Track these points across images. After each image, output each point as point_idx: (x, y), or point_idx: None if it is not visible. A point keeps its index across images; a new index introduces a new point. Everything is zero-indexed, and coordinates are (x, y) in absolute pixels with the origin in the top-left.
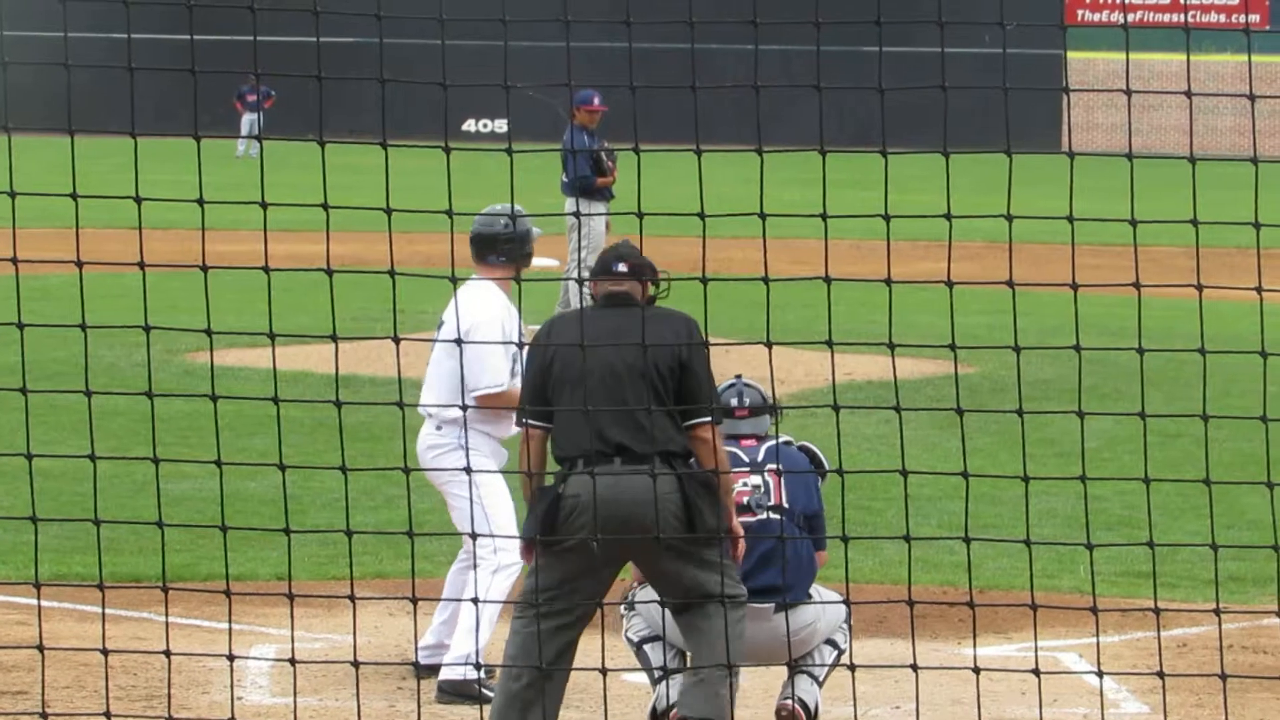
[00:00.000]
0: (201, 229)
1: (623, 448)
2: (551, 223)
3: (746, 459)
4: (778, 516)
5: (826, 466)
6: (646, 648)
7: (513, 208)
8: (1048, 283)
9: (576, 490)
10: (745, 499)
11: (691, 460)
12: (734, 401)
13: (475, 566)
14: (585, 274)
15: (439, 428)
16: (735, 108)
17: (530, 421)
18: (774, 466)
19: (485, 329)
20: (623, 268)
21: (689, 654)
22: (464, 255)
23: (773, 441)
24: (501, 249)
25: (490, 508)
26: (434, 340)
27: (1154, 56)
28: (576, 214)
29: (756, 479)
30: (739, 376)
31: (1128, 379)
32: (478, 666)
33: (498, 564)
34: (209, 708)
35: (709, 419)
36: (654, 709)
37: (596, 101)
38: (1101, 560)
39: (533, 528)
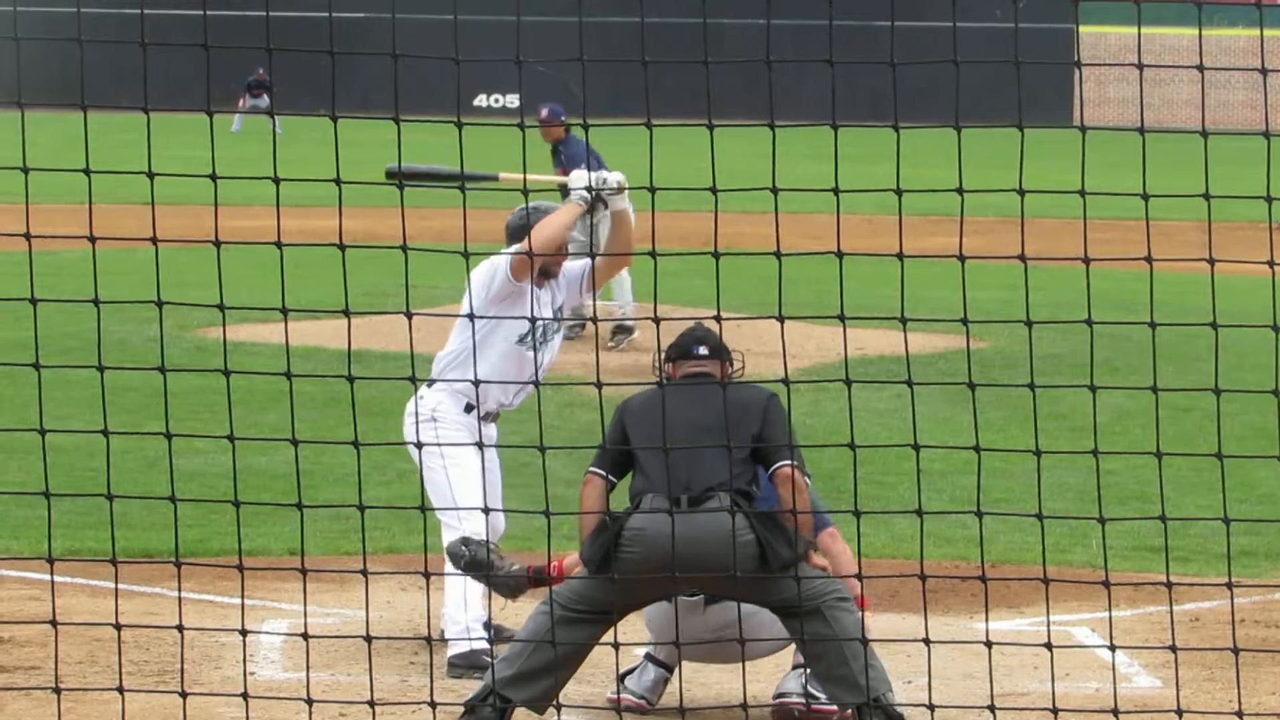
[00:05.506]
0: (214, 204)
1: (692, 485)
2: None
3: None
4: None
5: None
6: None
7: (526, 201)
8: (1059, 257)
9: (640, 524)
10: None
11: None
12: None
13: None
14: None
15: (421, 396)
16: (747, 82)
17: (595, 469)
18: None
19: (488, 268)
20: (703, 350)
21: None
22: (475, 229)
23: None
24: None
25: (455, 478)
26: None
27: (1166, 30)
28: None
29: None
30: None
31: (1139, 353)
32: (488, 626)
33: (463, 534)
34: (221, 683)
35: (789, 462)
36: (622, 675)
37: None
38: (1113, 534)
39: (592, 551)
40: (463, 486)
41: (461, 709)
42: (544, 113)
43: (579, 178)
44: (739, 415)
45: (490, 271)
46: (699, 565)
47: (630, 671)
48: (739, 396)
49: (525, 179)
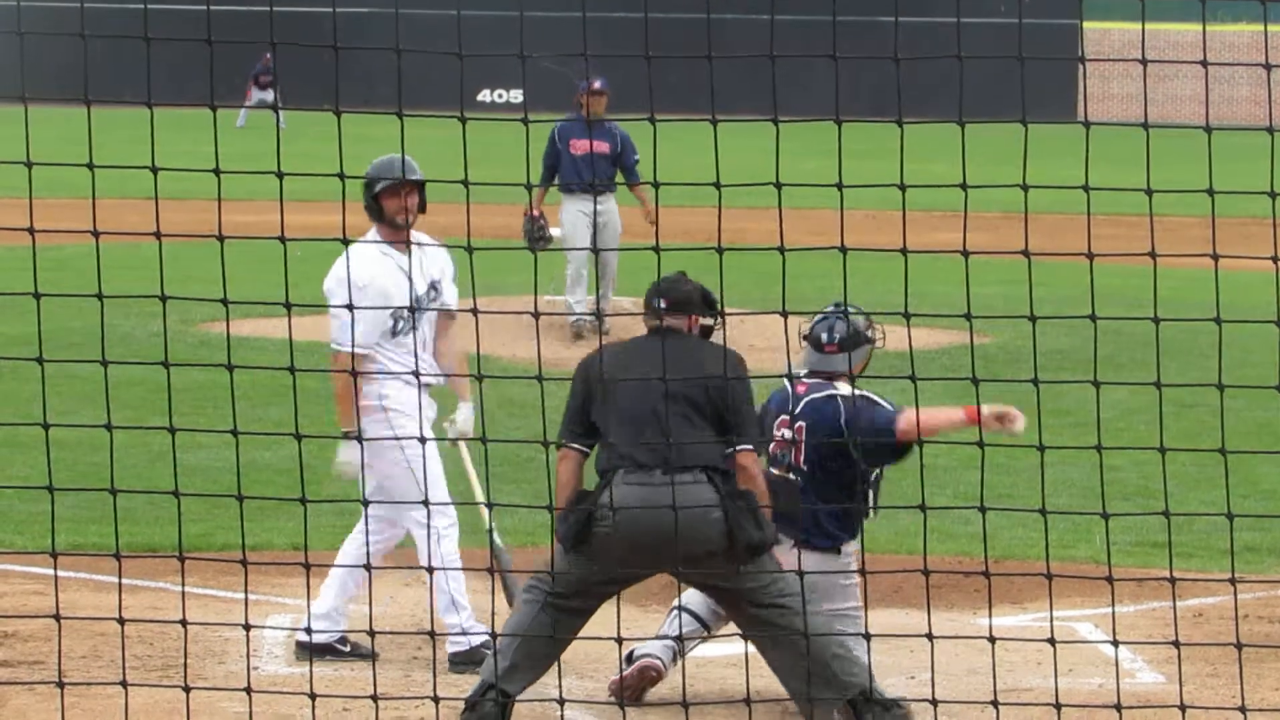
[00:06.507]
0: (218, 199)
1: (664, 460)
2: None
3: (790, 406)
4: (795, 477)
5: (862, 428)
6: (675, 612)
7: (403, 159)
8: (1063, 252)
9: (614, 498)
10: (776, 451)
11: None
12: (823, 336)
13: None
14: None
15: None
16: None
17: (568, 443)
18: (798, 423)
19: (342, 292)
20: (662, 304)
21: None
22: (478, 225)
23: (820, 394)
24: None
25: (418, 470)
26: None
27: (1169, 26)
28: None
29: (789, 433)
30: (837, 303)
31: (1143, 349)
32: (493, 636)
33: (436, 533)
34: (225, 677)
35: (750, 446)
36: (631, 652)
37: (598, 85)
38: (1117, 530)
39: (567, 530)
40: (430, 478)
41: (463, 705)
42: (598, 84)
43: (466, 419)
44: (704, 386)
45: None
46: (668, 543)
47: (638, 647)
48: (706, 362)
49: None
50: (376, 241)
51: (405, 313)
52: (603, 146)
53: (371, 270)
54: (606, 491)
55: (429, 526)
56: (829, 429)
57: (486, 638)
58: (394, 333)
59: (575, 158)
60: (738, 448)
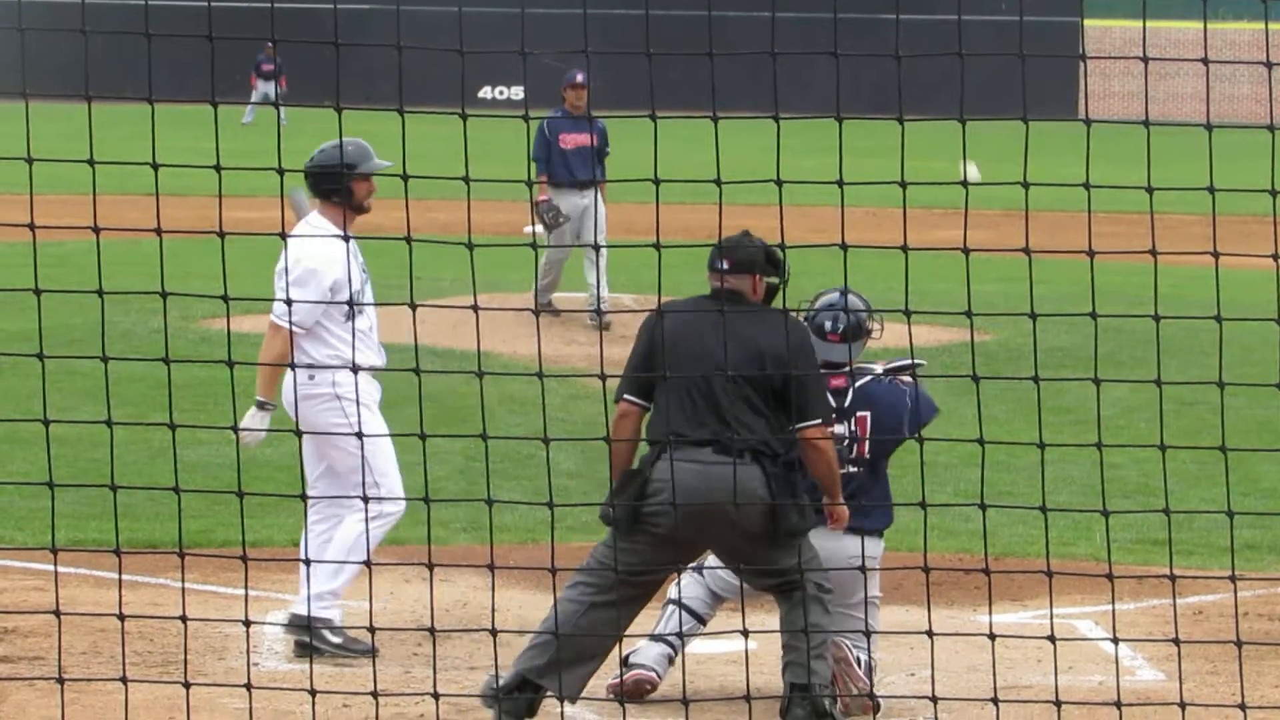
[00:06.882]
0: (219, 195)
1: (716, 439)
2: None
3: (834, 403)
4: (859, 469)
5: (921, 412)
6: (670, 608)
7: (347, 143)
8: (1064, 250)
9: (664, 475)
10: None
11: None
12: (827, 325)
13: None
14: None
15: (311, 376)
16: (751, 75)
17: (628, 397)
18: (863, 413)
19: (310, 276)
20: (724, 264)
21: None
22: (479, 222)
23: (864, 379)
24: (312, 185)
25: (371, 457)
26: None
27: (1171, 24)
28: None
29: (842, 428)
30: (843, 291)
31: (1144, 346)
32: (370, 628)
33: (379, 510)
34: (225, 673)
35: (818, 421)
36: (627, 656)
37: (580, 79)
38: (1117, 528)
39: (620, 509)
40: (383, 466)
41: (480, 696)
42: (580, 78)
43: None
44: (762, 358)
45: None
46: (712, 522)
47: (634, 652)
48: (765, 334)
49: None
50: (329, 230)
51: (360, 297)
52: (590, 140)
53: (331, 254)
54: (655, 468)
55: (377, 506)
56: (897, 418)
57: (332, 618)
58: (347, 317)
59: (565, 152)
60: (804, 424)
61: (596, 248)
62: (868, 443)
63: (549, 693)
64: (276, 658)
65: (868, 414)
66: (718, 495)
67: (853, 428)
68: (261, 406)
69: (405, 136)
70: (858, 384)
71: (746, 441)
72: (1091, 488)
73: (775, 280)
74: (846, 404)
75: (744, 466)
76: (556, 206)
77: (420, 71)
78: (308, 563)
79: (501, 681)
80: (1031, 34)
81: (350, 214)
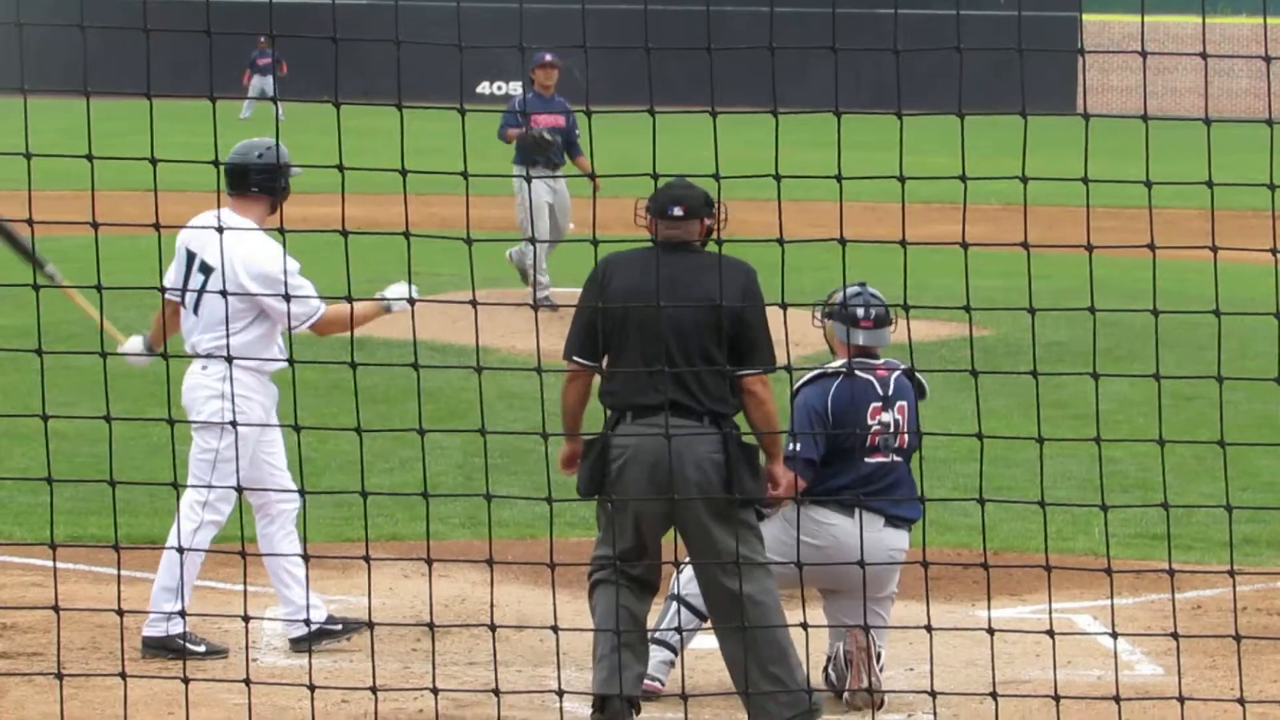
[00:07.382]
0: (217, 191)
1: (674, 403)
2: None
3: (881, 392)
4: (899, 459)
5: (926, 392)
6: (672, 604)
7: (278, 142)
8: (1063, 245)
9: (623, 445)
10: (877, 439)
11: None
12: (859, 312)
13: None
14: (532, 239)
15: (204, 368)
16: (750, 70)
17: (578, 359)
18: (903, 403)
19: (276, 263)
20: (679, 211)
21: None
22: (478, 217)
23: (899, 371)
24: (255, 179)
25: (271, 458)
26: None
27: (1169, 19)
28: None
29: (888, 417)
30: (862, 284)
31: (1142, 341)
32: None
33: (285, 515)
34: (224, 669)
35: (761, 370)
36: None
37: (550, 58)
38: (1116, 522)
39: (585, 482)
40: (278, 463)
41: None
42: (549, 57)
43: (399, 289)
44: (712, 310)
45: (259, 272)
46: (666, 484)
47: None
48: (714, 280)
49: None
50: (250, 224)
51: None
52: (559, 121)
53: (272, 242)
54: (614, 435)
55: (281, 512)
56: (915, 408)
57: (185, 629)
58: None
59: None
60: (746, 371)
61: (564, 241)
62: (906, 434)
63: (644, 695)
64: (275, 653)
65: (906, 403)
66: (677, 460)
67: (896, 416)
68: (153, 351)
69: (404, 132)
70: (896, 375)
71: (703, 404)
72: (1090, 482)
73: (711, 221)
74: (890, 393)
75: (702, 434)
76: (540, 133)
77: (419, 66)
78: (307, 558)
79: (592, 713)
80: (1030, 29)
81: (266, 215)
